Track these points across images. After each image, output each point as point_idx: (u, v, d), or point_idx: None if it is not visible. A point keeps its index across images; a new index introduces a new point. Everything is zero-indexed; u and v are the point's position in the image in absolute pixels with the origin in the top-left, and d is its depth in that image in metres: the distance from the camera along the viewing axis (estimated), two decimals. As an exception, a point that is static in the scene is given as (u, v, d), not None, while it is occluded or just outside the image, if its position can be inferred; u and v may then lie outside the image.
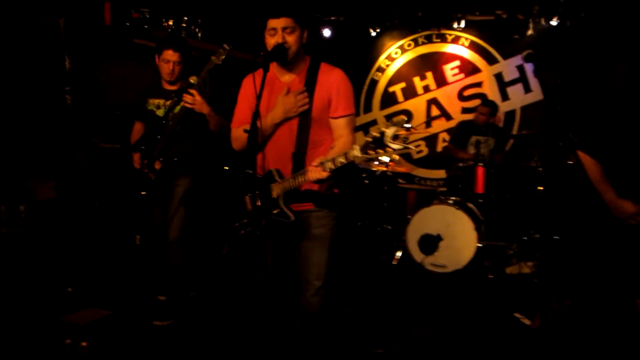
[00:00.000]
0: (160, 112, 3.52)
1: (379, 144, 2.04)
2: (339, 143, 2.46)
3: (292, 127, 2.48)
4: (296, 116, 2.45)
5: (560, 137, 2.70)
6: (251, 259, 2.72)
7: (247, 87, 2.61)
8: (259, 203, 2.47)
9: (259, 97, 2.32)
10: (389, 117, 7.07)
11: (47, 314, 3.49)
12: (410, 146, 2.06)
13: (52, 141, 4.21)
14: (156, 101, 3.56)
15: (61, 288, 3.85)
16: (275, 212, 2.41)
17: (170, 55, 3.40)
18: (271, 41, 2.39)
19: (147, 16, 5.04)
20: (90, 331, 3.17)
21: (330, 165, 2.19)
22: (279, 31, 2.36)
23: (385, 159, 2.08)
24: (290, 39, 2.38)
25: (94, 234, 4.28)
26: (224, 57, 3.21)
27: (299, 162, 2.45)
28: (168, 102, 3.44)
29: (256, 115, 2.34)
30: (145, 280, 3.92)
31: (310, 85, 2.46)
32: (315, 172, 2.24)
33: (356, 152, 2.09)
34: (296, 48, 2.41)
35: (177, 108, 3.35)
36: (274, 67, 2.52)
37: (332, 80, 2.46)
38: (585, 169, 2.81)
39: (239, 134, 2.57)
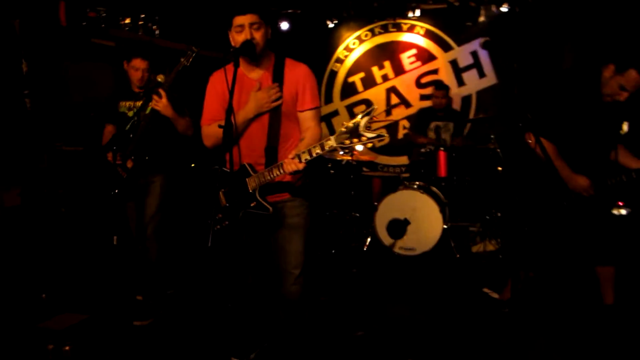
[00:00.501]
0: (131, 114, 3.56)
1: (354, 133, 2.15)
2: (308, 135, 2.56)
3: (264, 122, 2.55)
4: (267, 111, 2.52)
5: (519, 119, 2.84)
6: (229, 253, 2.77)
7: (216, 84, 2.65)
8: (234, 197, 2.53)
9: (231, 93, 2.36)
10: (349, 107, 7.19)
11: (23, 321, 3.43)
12: (384, 133, 2.18)
13: (14, 146, 4.12)
14: (127, 103, 3.61)
15: (35, 295, 3.79)
16: (252, 205, 2.48)
17: (139, 63, 3.49)
18: (238, 38, 2.43)
19: (104, 15, 4.97)
20: (71, 335, 3.16)
21: (306, 156, 2.29)
22: (246, 27, 2.41)
23: (360, 147, 2.20)
24: (258, 35, 2.44)
25: (64, 238, 4.22)
26: (192, 58, 3.26)
27: (272, 155, 2.54)
28: (139, 103, 3.52)
29: (230, 111, 2.38)
30: (120, 281, 3.90)
31: (278, 80, 2.54)
32: (292, 164, 2.33)
33: (332, 142, 2.20)
34: (263, 44, 2.47)
35: (148, 108, 3.40)
36: (241, 65, 2.56)
37: (299, 75, 2.56)
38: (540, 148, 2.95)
39: (211, 130, 2.61)
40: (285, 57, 2.61)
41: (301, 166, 2.32)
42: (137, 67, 3.50)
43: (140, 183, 3.53)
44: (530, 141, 3.14)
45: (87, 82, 4.83)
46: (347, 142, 2.17)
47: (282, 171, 2.38)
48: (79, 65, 4.77)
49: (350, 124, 2.16)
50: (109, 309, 3.70)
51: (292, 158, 2.32)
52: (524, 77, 6.00)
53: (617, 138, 3.20)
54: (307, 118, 2.59)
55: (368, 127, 2.15)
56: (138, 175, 3.47)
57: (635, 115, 3.24)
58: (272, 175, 2.42)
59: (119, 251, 3.42)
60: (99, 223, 4.31)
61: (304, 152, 2.29)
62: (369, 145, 2.22)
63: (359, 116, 2.13)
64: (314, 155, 2.27)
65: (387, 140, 6.99)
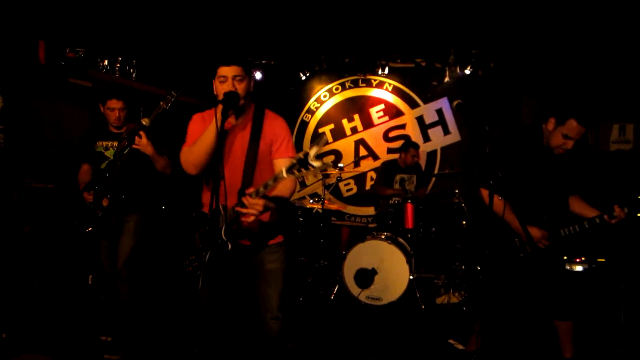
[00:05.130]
0: (109, 153, 3.64)
1: (303, 164, 2.25)
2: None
3: (238, 168, 2.63)
4: (243, 157, 2.62)
5: (489, 176, 2.95)
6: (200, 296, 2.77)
7: (200, 121, 2.71)
8: (207, 238, 2.58)
9: (219, 139, 2.44)
10: (319, 157, 7.30)
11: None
12: (329, 163, 2.31)
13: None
14: (105, 143, 3.68)
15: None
16: (218, 242, 2.53)
17: (114, 103, 3.59)
18: (221, 88, 2.53)
19: (82, 56, 5.02)
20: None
21: (262, 190, 2.37)
22: (229, 79, 2.52)
23: (311, 176, 2.30)
24: (240, 87, 2.55)
25: (28, 275, 4.11)
26: (171, 103, 3.34)
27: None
28: (115, 143, 3.60)
29: (218, 160, 2.47)
30: (89, 321, 3.80)
31: (257, 129, 2.66)
32: (248, 200, 2.38)
33: (283, 173, 2.28)
34: (245, 95, 2.58)
35: (127, 149, 3.43)
36: (222, 110, 2.58)
37: (277, 127, 2.72)
38: (490, 204, 3.05)
39: (190, 149, 2.62)
40: (265, 108, 2.75)
41: (260, 202, 2.38)
42: (112, 108, 3.59)
43: (112, 222, 3.53)
44: (483, 197, 3.24)
45: (59, 121, 4.83)
46: (297, 172, 2.26)
47: (238, 209, 2.44)
48: (52, 104, 4.77)
49: (301, 154, 2.25)
50: (73, 349, 3.58)
51: (249, 194, 2.39)
52: (488, 135, 6.33)
53: (570, 189, 3.37)
54: (280, 165, 2.67)
55: (318, 157, 2.24)
56: (112, 213, 3.48)
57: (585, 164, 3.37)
58: (234, 213, 2.48)
59: (93, 290, 3.35)
60: (71, 261, 4.22)
61: (259, 187, 2.38)
62: (319, 175, 2.32)
63: (309, 147, 2.22)
64: (268, 187, 2.36)
65: (354, 190, 7.17)
